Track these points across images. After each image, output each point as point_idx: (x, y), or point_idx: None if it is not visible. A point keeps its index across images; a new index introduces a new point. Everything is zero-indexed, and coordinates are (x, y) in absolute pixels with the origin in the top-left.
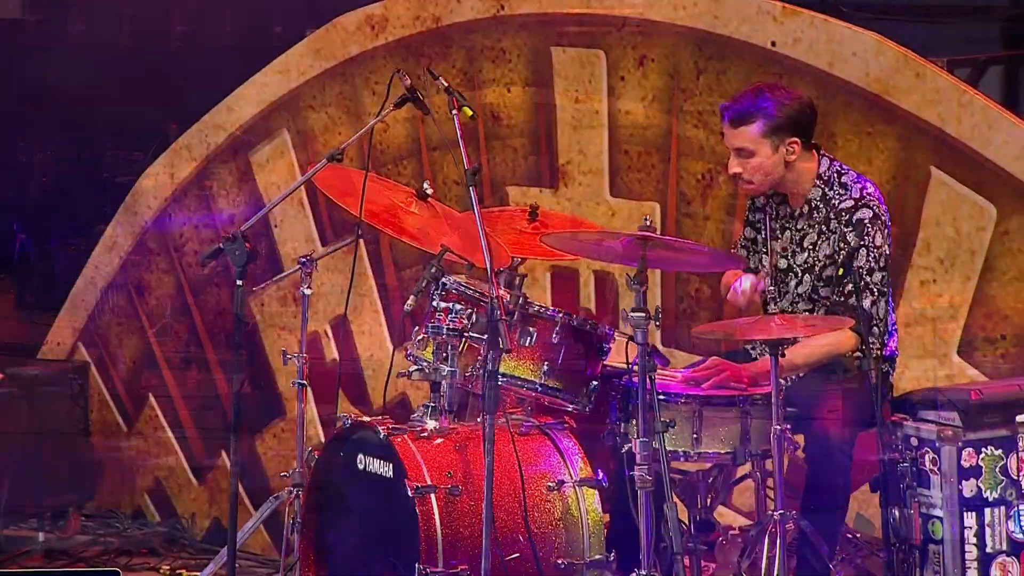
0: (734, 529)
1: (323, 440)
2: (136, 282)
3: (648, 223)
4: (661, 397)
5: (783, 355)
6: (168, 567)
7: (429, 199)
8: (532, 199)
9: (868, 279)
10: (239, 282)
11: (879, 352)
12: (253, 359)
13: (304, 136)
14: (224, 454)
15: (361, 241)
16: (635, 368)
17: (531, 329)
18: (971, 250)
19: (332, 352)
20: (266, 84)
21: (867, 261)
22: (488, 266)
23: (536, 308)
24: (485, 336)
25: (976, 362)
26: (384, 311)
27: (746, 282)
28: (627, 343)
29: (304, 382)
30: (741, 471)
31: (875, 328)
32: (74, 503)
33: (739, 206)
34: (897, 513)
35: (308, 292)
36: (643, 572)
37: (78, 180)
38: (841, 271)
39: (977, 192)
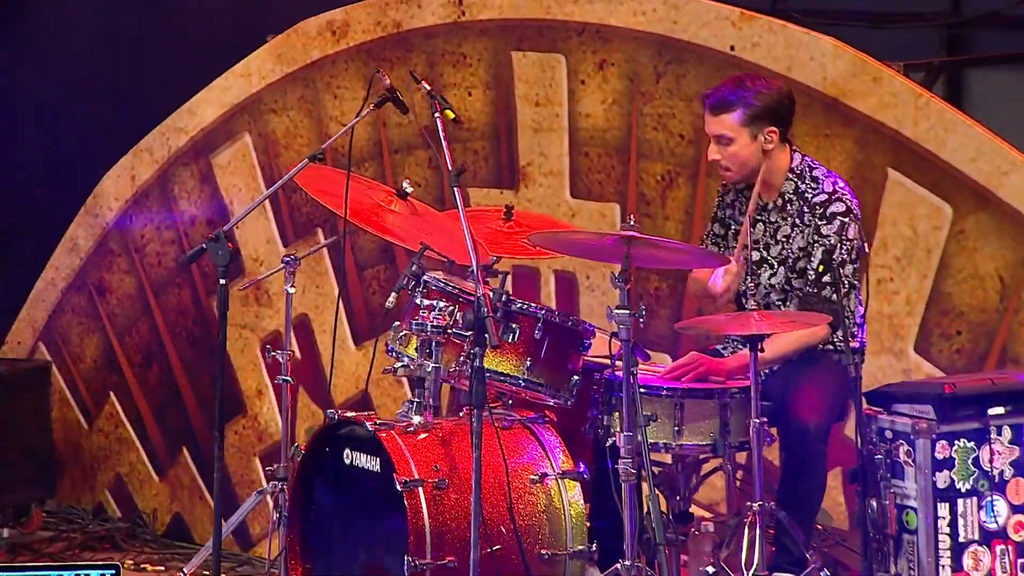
0: (707, 521)
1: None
2: (97, 282)
3: (632, 223)
4: (643, 391)
5: (762, 350)
6: (131, 561)
7: (409, 198)
8: (493, 200)
9: (840, 271)
10: (222, 281)
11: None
12: (214, 357)
13: (265, 139)
14: (185, 450)
15: (321, 238)
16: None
17: (514, 325)
18: (927, 249)
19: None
20: (228, 88)
21: (839, 254)
22: (474, 264)
23: (519, 305)
24: (470, 333)
25: (932, 357)
26: (346, 310)
27: (727, 275)
28: (610, 338)
29: (289, 379)
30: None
31: (845, 320)
32: (36, 499)
33: (698, 206)
34: (875, 504)
35: (292, 291)
36: (627, 562)
37: (46, 181)
38: (821, 268)
39: (933, 192)
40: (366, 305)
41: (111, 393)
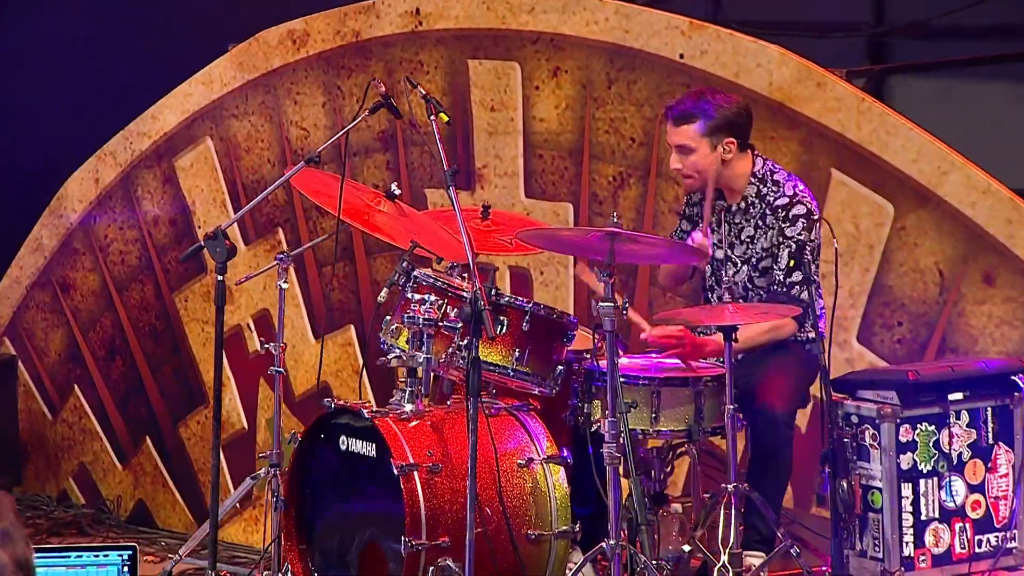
0: (675, 502)
1: (246, 427)
2: (61, 280)
3: (616, 220)
4: (622, 380)
5: (736, 339)
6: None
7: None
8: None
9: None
10: (220, 277)
11: (814, 334)
12: (177, 351)
13: (227, 143)
14: (148, 439)
15: (282, 237)
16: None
17: (503, 318)
18: (870, 244)
19: (254, 344)
20: (190, 94)
21: (805, 253)
22: (470, 260)
23: (507, 299)
24: (462, 325)
25: (874, 347)
26: (305, 304)
27: (697, 236)
28: (593, 330)
29: (281, 370)
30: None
31: (809, 312)
32: (3, 487)
33: (648, 206)
34: (845, 484)
35: (285, 286)
36: (612, 541)
37: (10, 184)
38: (793, 263)
39: (876, 192)
40: (325, 300)
41: (75, 385)
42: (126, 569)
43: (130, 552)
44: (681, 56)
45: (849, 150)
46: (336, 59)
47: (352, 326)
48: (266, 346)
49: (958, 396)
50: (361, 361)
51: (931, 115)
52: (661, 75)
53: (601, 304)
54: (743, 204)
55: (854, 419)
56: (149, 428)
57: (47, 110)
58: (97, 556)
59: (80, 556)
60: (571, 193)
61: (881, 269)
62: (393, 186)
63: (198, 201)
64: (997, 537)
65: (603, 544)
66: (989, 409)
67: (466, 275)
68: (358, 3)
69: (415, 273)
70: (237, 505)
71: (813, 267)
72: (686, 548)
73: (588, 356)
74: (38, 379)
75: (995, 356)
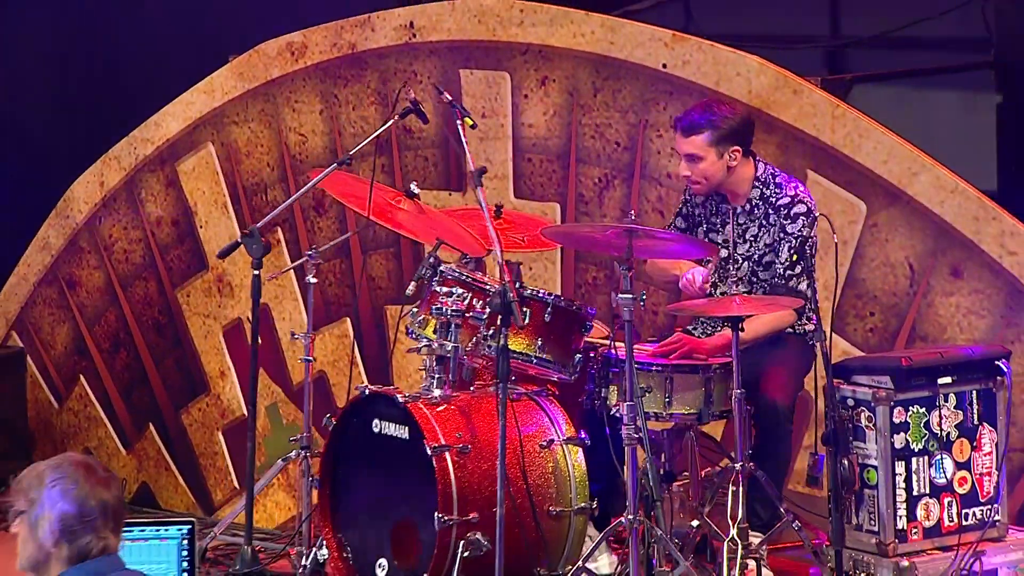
0: (677, 483)
1: (246, 413)
2: (67, 277)
3: (633, 216)
4: (637, 366)
5: (742, 329)
6: None
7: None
8: (443, 201)
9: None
10: (256, 272)
11: (811, 324)
12: (179, 343)
13: (228, 148)
14: (151, 426)
15: (281, 236)
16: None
17: (526, 309)
18: (843, 240)
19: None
20: (192, 103)
21: (806, 248)
22: (498, 254)
23: (530, 291)
24: (487, 315)
25: (848, 336)
26: (303, 299)
27: (698, 275)
28: (612, 318)
29: (311, 358)
30: None
31: (807, 304)
32: (12, 472)
33: (632, 205)
34: (847, 463)
35: (314, 281)
36: (631, 516)
37: (18, 188)
38: (796, 257)
39: (849, 191)
40: (323, 295)
41: (80, 376)
42: (186, 542)
43: (189, 527)
44: (664, 66)
45: (824, 152)
46: (333, 70)
47: (348, 319)
48: (296, 337)
49: (947, 380)
50: (358, 351)
51: (890, 122)
52: (645, 84)
53: (620, 295)
54: (747, 206)
55: (850, 402)
56: (152, 415)
57: (54, 117)
58: (159, 530)
59: (143, 530)
60: (558, 194)
61: (854, 263)
62: (412, 185)
63: (199, 203)
64: (982, 511)
65: (622, 519)
66: (974, 392)
67: (480, 269)
68: (354, 17)
69: (441, 268)
70: (238, 486)
71: (813, 262)
72: (694, 523)
73: (608, 343)
74: (44, 370)
75: (962, 344)
